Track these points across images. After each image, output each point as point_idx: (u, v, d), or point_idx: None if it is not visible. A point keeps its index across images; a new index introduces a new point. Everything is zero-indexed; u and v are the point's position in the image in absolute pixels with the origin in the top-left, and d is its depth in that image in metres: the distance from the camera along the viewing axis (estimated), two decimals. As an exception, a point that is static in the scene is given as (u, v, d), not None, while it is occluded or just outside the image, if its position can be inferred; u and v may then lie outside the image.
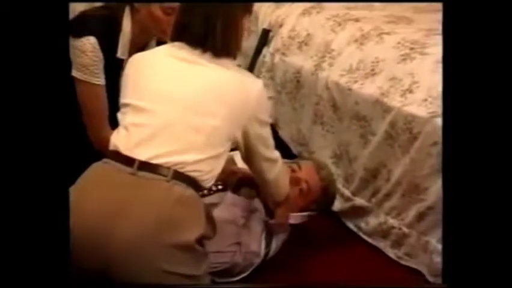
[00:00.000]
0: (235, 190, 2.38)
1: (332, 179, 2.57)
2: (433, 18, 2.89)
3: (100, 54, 2.20)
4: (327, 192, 2.51)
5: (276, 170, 2.07)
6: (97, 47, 2.18)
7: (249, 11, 1.98)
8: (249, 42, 3.09)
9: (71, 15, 2.20)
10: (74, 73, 2.19)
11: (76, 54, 2.18)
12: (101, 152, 1.94)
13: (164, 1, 2.20)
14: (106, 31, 2.22)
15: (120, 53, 2.26)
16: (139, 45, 2.31)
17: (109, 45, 2.22)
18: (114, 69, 2.22)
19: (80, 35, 2.17)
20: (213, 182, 1.87)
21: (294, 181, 2.36)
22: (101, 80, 2.22)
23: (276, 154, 2.06)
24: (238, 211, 2.27)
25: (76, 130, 2.14)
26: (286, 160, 2.56)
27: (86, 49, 2.17)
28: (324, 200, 2.51)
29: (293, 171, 2.42)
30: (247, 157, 1.99)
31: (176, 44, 1.90)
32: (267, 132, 1.97)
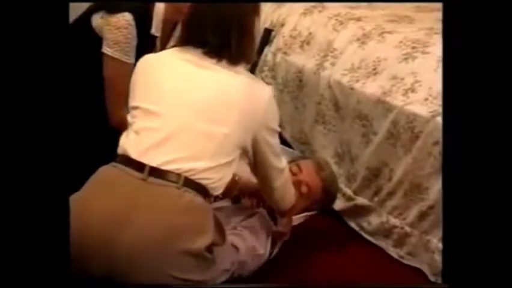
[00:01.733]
0: (236, 201, 2.37)
1: (333, 178, 2.56)
2: (435, 17, 2.89)
3: (134, 32, 2.19)
4: (328, 193, 2.51)
5: (283, 179, 2.07)
6: (132, 23, 2.17)
7: (257, 12, 1.97)
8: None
9: (71, 15, 2.21)
10: (105, 49, 2.19)
11: (109, 31, 2.17)
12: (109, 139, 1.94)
13: (175, 1, 2.20)
14: (141, 8, 2.22)
15: (154, 30, 2.26)
16: (171, 23, 2.31)
17: (143, 23, 2.22)
18: (147, 47, 2.22)
19: (115, 11, 2.17)
20: (222, 190, 1.86)
21: (295, 184, 2.33)
22: (130, 59, 2.20)
23: (284, 163, 2.06)
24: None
25: (76, 132, 2.14)
26: (284, 148, 2.57)
27: (121, 25, 2.16)
28: (325, 200, 2.51)
29: (294, 174, 2.41)
30: (255, 165, 1.97)
31: (188, 48, 1.88)
32: (275, 141, 1.96)
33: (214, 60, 1.84)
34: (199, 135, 1.77)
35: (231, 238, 2.22)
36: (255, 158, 1.94)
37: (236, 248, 2.20)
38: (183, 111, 1.79)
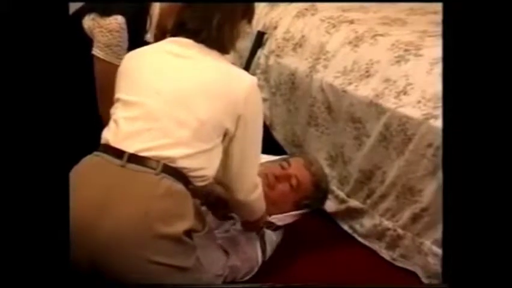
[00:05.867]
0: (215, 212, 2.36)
1: (323, 173, 2.56)
2: (428, 20, 2.91)
3: (126, 34, 2.18)
4: (319, 187, 2.49)
5: (256, 195, 2.04)
6: (124, 26, 2.16)
7: (248, 16, 2.00)
8: (244, 44, 3.09)
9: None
10: (95, 52, 2.18)
11: (101, 33, 2.16)
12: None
13: (168, 1, 2.19)
14: (134, 11, 2.20)
15: (149, 36, 2.26)
16: (164, 28, 2.31)
17: (136, 26, 2.21)
18: None
19: (108, 13, 2.15)
20: (208, 181, 1.87)
21: (284, 177, 2.37)
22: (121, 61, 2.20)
23: (258, 180, 2.04)
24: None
25: (75, 124, 2.13)
26: (276, 157, 2.56)
27: (113, 28, 2.15)
28: (315, 195, 2.49)
29: (283, 168, 2.42)
30: (227, 167, 1.93)
31: (172, 39, 1.93)
32: (255, 142, 1.94)
33: (192, 43, 1.88)
34: (176, 123, 1.79)
35: (220, 243, 2.22)
36: (229, 159, 1.91)
37: (226, 252, 2.20)
38: (160, 100, 1.81)
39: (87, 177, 1.79)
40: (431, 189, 2.32)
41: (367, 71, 2.62)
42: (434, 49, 2.46)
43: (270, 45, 3.05)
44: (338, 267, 2.43)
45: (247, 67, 3.08)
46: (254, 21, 3.11)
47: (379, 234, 2.55)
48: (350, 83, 2.65)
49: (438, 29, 2.29)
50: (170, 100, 1.81)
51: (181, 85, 1.83)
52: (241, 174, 1.96)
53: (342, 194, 2.70)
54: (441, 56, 1.54)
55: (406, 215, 2.44)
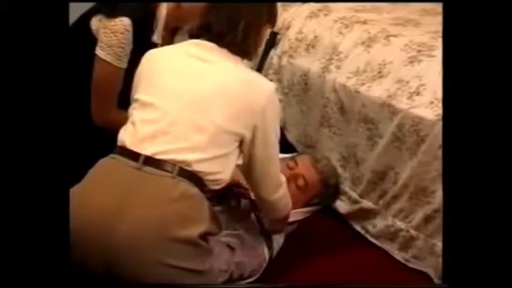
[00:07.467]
0: (224, 200, 2.35)
1: (331, 170, 2.55)
2: (440, 20, 2.88)
3: (130, 37, 2.17)
4: (327, 184, 2.48)
5: (281, 194, 2.04)
6: (130, 29, 2.15)
7: (271, 22, 2.00)
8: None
9: (71, 16, 2.20)
10: (98, 52, 2.18)
11: (105, 34, 2.15)
12: (103, 131, 1.93)
13: (182, 1, 2.20)
14: (140, 13, 2.21)
15: (156, 38, 2.26)
16: (172, 29, 2.32)
17: (142, 28, 2.21)
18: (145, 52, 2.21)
19: (113, 15, 2.16)
20: (223, 184, 1.86)
21: (291, 178, 2.34)
22: (122, 64, 2.19)
23: (283, 178, 2.04)
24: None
25: (77, 128, 2.14)
26: (283, 155, 2.56)
27: (117, 30, 2.14)
28: (324, 192, 2.48)
29: (290, 168, 2.41)
30: (251, 169, 1.94)
31: (194, 41, 1.91)
32: (274, 149, 1.93)
33: (214, 47, 1.87)
34: (193, 126, 1.78)
35: (226, 240, 2.21)
36: (252, 163, 1.91)
37: (231, 248, 2.20)
38: (178, 104, 1.80)
39: (103, 179, 1.78)
40: (443, 191, 2.32)
41: (380, 72, 2.62)
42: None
43: (282, 45, 3.06)
44: (351, 268, 2.43)
45: (260, 68, 3.09)
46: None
47: (392, 235, 2.55)
48: (363, 84, 2.65)
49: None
50: (188, 103, 1.80)
51: (200, 89, 1.81)
52: (265, 175, 1.96)
53: (354, 195, 2.70)
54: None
55: (419, 216, 2.44)
